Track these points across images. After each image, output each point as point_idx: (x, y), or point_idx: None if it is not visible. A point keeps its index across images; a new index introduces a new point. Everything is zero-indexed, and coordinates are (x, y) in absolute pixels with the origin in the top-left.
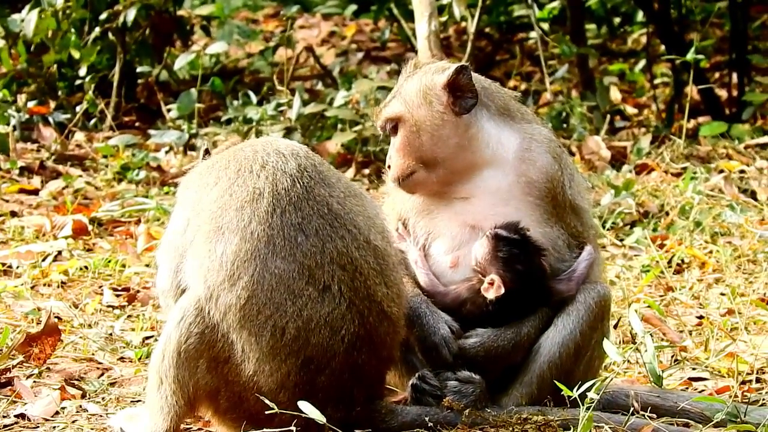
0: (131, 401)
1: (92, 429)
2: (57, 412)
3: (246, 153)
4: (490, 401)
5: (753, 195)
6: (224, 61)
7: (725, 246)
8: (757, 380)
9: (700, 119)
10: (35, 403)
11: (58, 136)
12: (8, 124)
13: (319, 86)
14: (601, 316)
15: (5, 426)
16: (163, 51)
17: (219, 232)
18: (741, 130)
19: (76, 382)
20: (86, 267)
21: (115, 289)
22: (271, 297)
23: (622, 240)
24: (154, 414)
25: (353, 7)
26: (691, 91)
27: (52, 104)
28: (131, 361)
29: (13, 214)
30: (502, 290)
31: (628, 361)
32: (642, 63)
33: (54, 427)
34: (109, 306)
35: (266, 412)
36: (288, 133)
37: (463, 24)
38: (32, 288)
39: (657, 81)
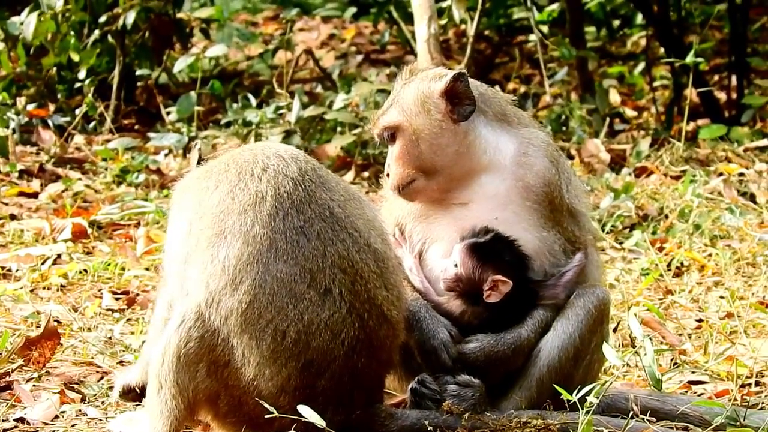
0: (131, 405)
1: None
2: (56, 416)
3: (245, 156)
4: (490, 405)
5: (752, 198)
6: (224, 63)
7: (724, 249)
8: (757, 384)
9: (700, 122)
10: (35, 407)
11: (57, 139)
12: (7, 127)
13: (319, 89)
14: (601, 319)
15: (5, 430)
16: (162, 54)
17: (221, 236)
18: (740, 133)
19: (75, 386)
20: (86, 270)
21: (114, 293)
22: (272, 301)
23: (621, 243)
24: (153, 418)
25: (353, 10)
26: (691, 93)
27: (52, 107)
28: (131, 365)
29: (13, 217)
30: (509, 286)
31: (628, 364)
32: (641, 66)
33: (53, 431)
34: (108, 309)
35: (266, 416)
36: (287, 136)
37: (463, 27)
38: (32, 291)
39: (656, 84)
